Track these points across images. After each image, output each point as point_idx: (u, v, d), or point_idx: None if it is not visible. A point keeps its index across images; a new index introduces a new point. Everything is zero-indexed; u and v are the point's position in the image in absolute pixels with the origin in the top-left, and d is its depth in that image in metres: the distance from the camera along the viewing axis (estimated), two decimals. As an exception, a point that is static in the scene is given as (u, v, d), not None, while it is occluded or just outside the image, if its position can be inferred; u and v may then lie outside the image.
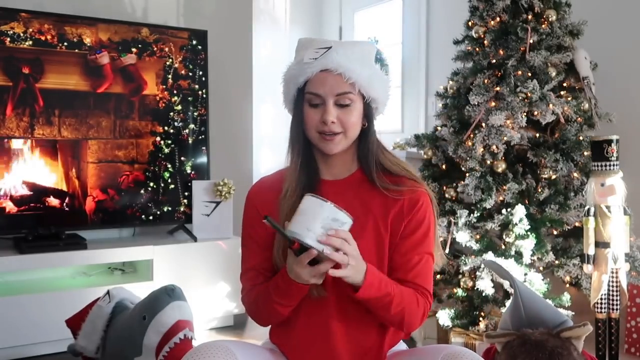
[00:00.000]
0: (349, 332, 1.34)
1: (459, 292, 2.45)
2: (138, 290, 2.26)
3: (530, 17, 2.50)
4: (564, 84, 2.58)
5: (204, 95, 3.14)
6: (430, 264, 1.37)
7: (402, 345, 1.48)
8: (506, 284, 2.30)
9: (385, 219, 1.34)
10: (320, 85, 1.30)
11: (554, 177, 2.45)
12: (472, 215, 2.42)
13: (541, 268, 2.41)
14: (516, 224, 2.30)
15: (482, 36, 2.57)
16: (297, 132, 1.36)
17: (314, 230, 1.14)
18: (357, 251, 1.20)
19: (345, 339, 1.34)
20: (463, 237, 2.43)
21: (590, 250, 2.23)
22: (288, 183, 1.35)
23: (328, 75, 1.30)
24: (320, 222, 1.14)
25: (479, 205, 2.40)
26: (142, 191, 3.00)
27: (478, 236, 2.43)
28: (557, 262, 2.40)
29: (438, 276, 2.54)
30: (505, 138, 2.39)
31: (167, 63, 3.04)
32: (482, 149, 2.42)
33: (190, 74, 3.10)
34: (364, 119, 1.36)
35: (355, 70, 1.30)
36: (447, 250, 2.47)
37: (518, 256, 2.31)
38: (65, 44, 2.79)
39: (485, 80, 2.47)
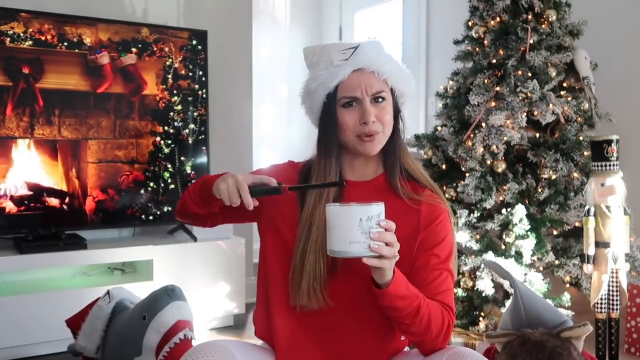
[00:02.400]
0: (349, 343, 1.30)
1: (459, 292, 2.45)
2: (138, 290, 2.26)
3: (530, 17, 2.50)
4: (564, 84, 2.58)
5: (204, 95, 3.14)
6: (449, 281, 1.29)
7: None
8: (506, 284, 2.30)
9: (403, 231, 1.24)
10: (355, 86, 1.27)
11: (554, 177, 2.45)
12: (472, 215, 2.42)
13: (541, 268, 2.41)
14: (516, 224, 2.30)
15: (482, 36, 2.57)
16: (330, 139, 1.31)
17: (357, 240, 1.08)
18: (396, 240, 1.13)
19: (344, 349, 1.30)
20: (463, 237, 2.43)
21: (590, 250, 2.23)
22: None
23: (361, 75, 1.27)
24: (358, 229, 1.07)
25: (479, 205, 2.40)
26: (142, 191, 3.00)
27: (478, 236, 2.43)
28: (557, 262, 2.40)
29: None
30: (505, 138, 2.39)
31: (167, 63, 3.04)
32: (482, 149, 2.42)
33: (190, 74, 3.10)
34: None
35: (386, 65, 1.29)
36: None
37: (518, 256, 2.30)
38: (65, 44, 2.79)
39: (485, 80, 2.47)
